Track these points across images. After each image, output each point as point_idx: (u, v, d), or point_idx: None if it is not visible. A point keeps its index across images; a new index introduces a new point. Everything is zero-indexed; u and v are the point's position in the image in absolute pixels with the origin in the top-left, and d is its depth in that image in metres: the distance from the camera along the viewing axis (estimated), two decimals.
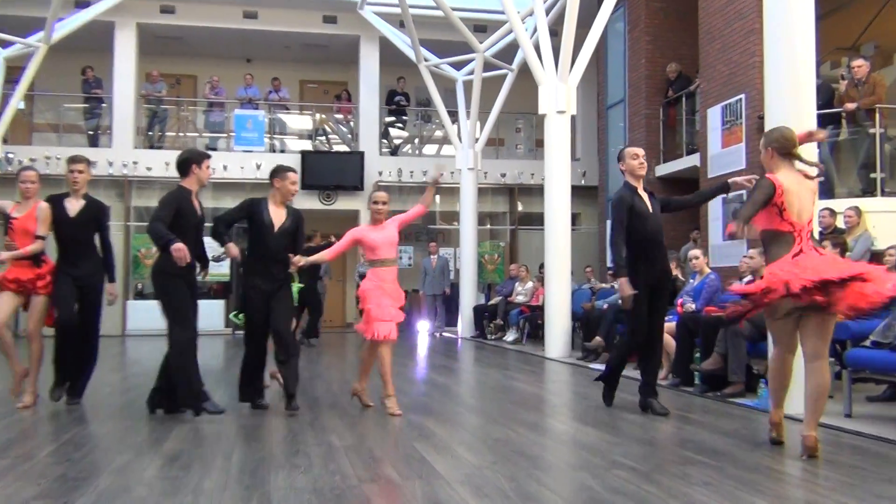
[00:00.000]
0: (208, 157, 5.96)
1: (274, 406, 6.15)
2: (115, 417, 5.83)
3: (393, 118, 18.11)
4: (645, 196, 5.89)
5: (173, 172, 6.10)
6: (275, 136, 17.29)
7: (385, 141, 17.92)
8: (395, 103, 17.77)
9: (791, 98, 5.90)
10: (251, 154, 16.27)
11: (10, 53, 14.37)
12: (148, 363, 10.33)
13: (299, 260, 5.80)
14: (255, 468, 4.17)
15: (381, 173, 16.82)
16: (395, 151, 17.91)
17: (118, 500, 3.57)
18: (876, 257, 7.59)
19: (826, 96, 9.81)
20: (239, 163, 16.12)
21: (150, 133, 16.80)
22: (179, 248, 5.27)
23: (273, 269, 5.82)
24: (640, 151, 5.88)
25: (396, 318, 5.93)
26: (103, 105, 16.57)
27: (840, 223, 8.50)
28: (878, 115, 9.70)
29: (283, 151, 17.03)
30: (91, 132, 16.59)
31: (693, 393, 6.96)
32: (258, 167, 15.73)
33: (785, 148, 4.50)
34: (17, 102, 14.22)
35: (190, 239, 5.55)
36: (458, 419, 5.95)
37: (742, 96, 11.21)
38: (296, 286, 6.34)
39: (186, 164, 5.76)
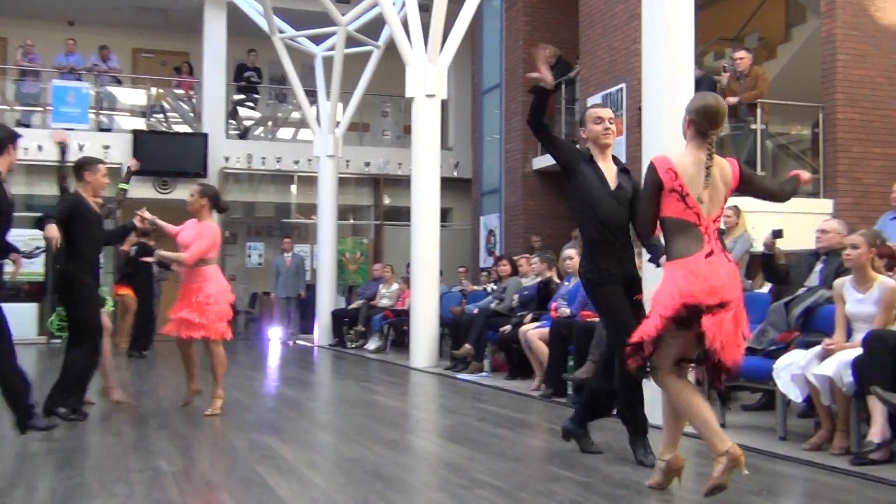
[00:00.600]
0: (18, 136, 5.69)
1: (93, 424, 5.93)
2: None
3: (242, 96, 17.75)
4: (609, 170, 4.87)
5: None
6: (101, 111, 16.58)
7: (233, 122, 17.56)
8: (245, 79, 17.42)
9: (667, 89, 6.20)
10: (73, 133, 15.53)
11: None
12: None
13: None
14: (64, 499, 4.00)
15: (227, 158, 16.43)
16: (244, 134, 17.57)
17: None
18: (754, 260, 8.07)
19: (708, 89, 10.36)
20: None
21: None
22: None
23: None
24: (607, 113, 4.98)
25: None
26: None
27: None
28: (759, 111, 10.33)
29: (110, 130, 16.36)
30: None
31: (565, 404, 7.16)
32: (81, 148, 15.04)
33: (701, 126, 4.04)
34: None
35: None
36: (307, 438, 5.93)
37: (623, 85, 11.69)
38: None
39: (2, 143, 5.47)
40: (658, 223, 4.15)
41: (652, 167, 4.07)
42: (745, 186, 4.19)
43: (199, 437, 5.79)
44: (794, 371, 5.28)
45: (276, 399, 8.01)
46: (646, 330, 3.93)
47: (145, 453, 5.06)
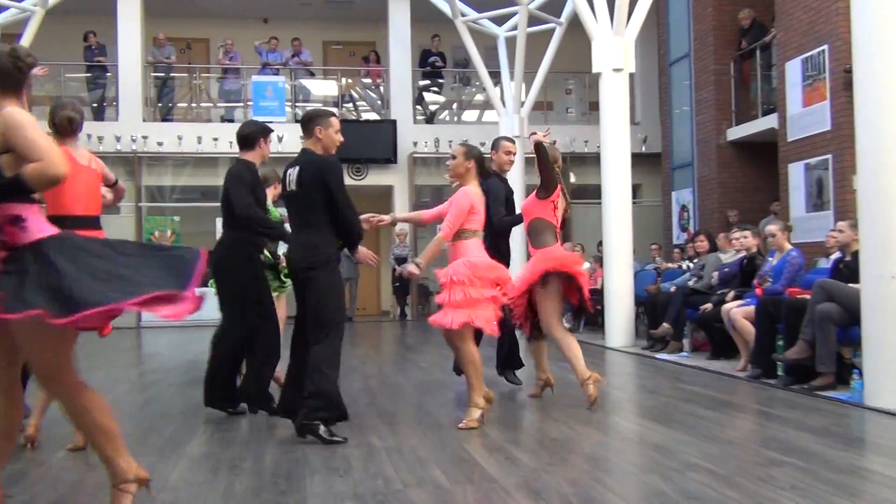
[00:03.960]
0: (270, 131, 6.18)
1: None
2: (134, 417, 5.97)
3: (427, 81, 18.11)
4: None
5: (187, 147, 6.24)
6: (297, 104, 17.39)
7: (419, 107, 17.94)
8: (430, 65, 17.75)
9: (881, 48, 5.76)
10: (271, 125, 16.29)
11: (3, 19, 14.63)
12: (165, 358, 10.54)
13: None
14: (290, 472, 4.24)
15: (415, 144, 16.86)
16: (430, 119, 17.92)
17: None
18: None
19: None
20: None
21: (161, 104, 17.03)
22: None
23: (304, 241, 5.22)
24: (514, 147, 6.85)
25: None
26: (108, 74, 16.82)
27: None
28: None
29: None
30: (95, 104, 16.82)
31: (776, 385, 6.89)
32: (280, 140, 15.82)
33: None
34: None
35: None
36: (510, 416, 6.00)
37: (825, 47, 11.00)
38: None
39: (254, 137, 5.93)
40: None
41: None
42: None
43: (406, 415, 5.98)
44: None
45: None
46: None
47: (357, 430, 5.26)
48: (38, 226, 3.12)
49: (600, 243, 11.91)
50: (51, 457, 4.70)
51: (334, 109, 17.53)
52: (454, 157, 5.54)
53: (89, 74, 16.96)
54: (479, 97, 18.38)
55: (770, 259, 8.07)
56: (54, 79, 17.11)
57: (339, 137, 5.20)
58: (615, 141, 10.75)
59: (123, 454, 3.24)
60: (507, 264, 6.25)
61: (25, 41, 14.19)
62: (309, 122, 5.18)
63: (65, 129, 4.77)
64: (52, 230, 3.15)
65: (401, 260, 16.14)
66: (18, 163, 3.04)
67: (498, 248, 6.50)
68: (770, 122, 12.70)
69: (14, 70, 3.22)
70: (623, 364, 9.16)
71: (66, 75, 17.13)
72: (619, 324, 10.50)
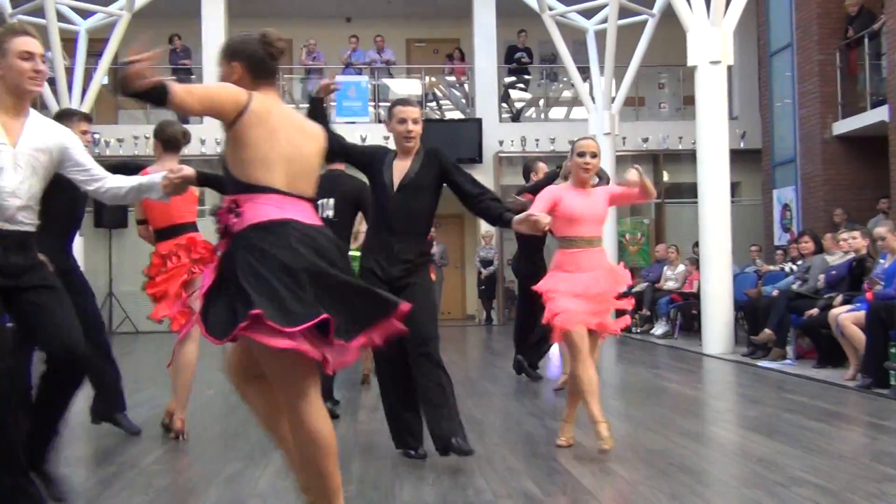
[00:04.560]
0: None
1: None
2: (221, 421, 6.12)
3: (513, 78, 18.04)
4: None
5: None
6: (380, 103, 17.58)
7: (505, 105, 17.89)
8: (516, 61, 17.70)
9: None
10: (355, 125, 16.59)
11: (91, 24, 15.18)
12: None
13: None
14: (377, 479, 4.29)
15: (501, 143, 16.83)
16: (517, 117, 17.86)
17: None
18: None
19: None
20: (342, 135, 16.46)
21: None
22: None
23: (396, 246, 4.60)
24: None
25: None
26: (192, 77, 17.28)
27: None
28: None
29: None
30: None
31: (888, 396, 6.67)
32: (363, 140, 16.02)
33: None
34: (101, 77, 14.99)
35: None
36: None
37: None
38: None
39: None
40: None
41: None
42: None
43: (495, 423, 5.98)
44: None
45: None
46: None
47: None
48: (255, 212, 3.01)
49: (696, 244, 11.69)
50: (141, 460, 4.85)
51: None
52: (595, 156, 4.93)
53: (175, 77, 17.45)
54: (566, 94, 18.25)
55: (881, 261, 7.82)
56: None
57: None
58: (712, 137, 10.54)
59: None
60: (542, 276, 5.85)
61: (112, 45, 14.71)
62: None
63: (178, 143, 5.05)
64: (269, 215, 3.00)
65: (486, 262, 16.15)
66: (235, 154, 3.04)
67: (533, 260, 7.21)
68: (879, 114, 12.27)
69: (266, 56, 3.15)
70: (722, 372, 8.97)
71: None
72: (716, 329, 10.29)
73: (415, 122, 4.65)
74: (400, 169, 4.63)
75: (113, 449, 5.14)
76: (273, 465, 4.66)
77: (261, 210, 3.00)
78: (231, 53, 3.17)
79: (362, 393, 7.42)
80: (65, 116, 5.18)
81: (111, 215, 14.89)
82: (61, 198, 4.44)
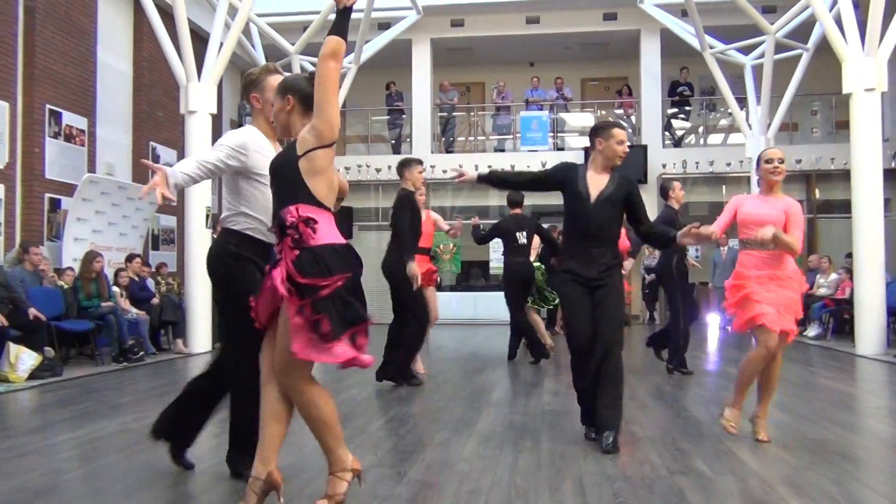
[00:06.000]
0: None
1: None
2: (427, 398, 6.25)
3: (675, 109, 17.48)
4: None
5: None
6: (557, 134, 17.48)
7: (668, 133, 17.36)
8: (678, 94, 17.14)
9: None
10: (536, 153, 16.58)
11: None
12: (450, 350, 10.96)
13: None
14: (563, 453, 4.23)
15: (664, 165, 16.32)
16: (678, 143, 17.28)
17: (444, 473, 3.82)
18: None
19: None
20: (525, 162, 16.47)
21: (444, 139, 17.82)
22: None
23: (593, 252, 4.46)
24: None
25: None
26: (404, 116, 17.86)
27: None
28: None
29: (562, 149, 17.18)
30: (394, 141, 17.95)
31: None
32: (543, 165, 15.98)
33: None
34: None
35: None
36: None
37: None
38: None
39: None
40: None
41: None
42: None
43: (663, 408, 5.77)
44: None
45: (722, 377, 7.67)
46: None
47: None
48: (328, 231, 3.02)
49: (848, 254, 10.86)
50: (369, 427, 5.01)
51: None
52: (782, 161, 4.57)
53: (389, 116, 18.11)
54: (723, 121, 17.45)
55: None
56: (363, 120, 18.47)
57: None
58: (867, 158, 9.79)
59: (342, 445, 3.10)
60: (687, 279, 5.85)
61: (342, 92, 15.43)
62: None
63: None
64: (339, 239, 3.05)
65: (650, 270, 15.67)
66: (313, 170, 3.04)
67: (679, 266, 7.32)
68: None
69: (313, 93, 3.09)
70: (875, 371, 8.27)
71: (372, 118, 18.43)
72: (869, 332, 9.51)
73: (627, 143, 4.57)
74: (596, 183, 4.50)
75: (345, 417, 5.35)
76: (476, 435, 4.71)
77: (328, 231, 3.02)
78: (286, 89, 3.21)
79: (546, 379, 7.37)
80: (405, 165, 6.84)
81: None
82: None
